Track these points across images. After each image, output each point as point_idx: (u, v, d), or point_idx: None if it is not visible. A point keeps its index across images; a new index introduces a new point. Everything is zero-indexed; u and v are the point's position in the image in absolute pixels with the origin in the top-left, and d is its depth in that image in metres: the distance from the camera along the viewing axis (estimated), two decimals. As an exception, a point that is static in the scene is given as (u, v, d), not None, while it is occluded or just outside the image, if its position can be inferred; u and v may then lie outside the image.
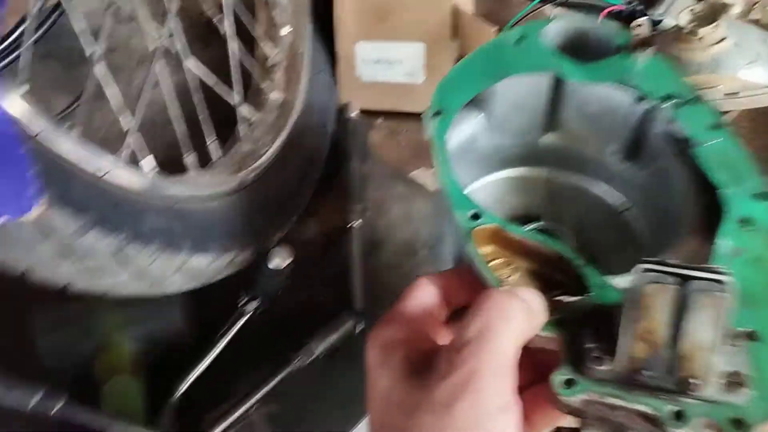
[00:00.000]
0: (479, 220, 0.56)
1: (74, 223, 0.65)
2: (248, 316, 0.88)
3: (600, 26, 0.73)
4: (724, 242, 0.55)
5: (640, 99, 0.67)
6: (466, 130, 0.70)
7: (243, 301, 0.88)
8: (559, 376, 0.48)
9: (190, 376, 0.85)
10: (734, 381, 0.47)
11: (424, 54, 1.12)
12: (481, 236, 0.56)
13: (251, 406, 0.84)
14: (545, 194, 0.74)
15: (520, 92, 0.69)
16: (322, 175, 1.08)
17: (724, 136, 0.63)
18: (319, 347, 0.86)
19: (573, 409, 0.48)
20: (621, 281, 0.54)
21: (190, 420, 0.84)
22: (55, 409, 0.74)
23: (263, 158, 0.95)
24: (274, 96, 1.05)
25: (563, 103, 0.72)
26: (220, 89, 0.92)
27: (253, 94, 1.06)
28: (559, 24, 0.72)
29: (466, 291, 0.55)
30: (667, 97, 0.66)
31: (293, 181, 1.01)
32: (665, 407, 0.46)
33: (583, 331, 0.49)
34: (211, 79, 0.90)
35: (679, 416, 0.46)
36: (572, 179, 0.75)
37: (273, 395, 0.85)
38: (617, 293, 0.52)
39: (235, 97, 0.95)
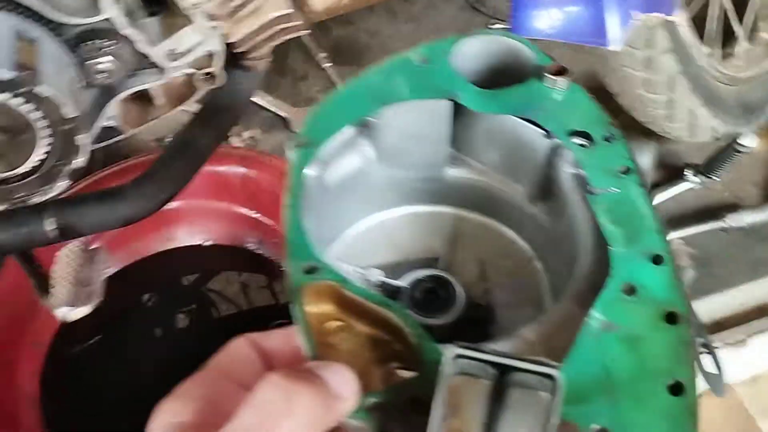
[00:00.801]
0: (314, 275, 0.48)
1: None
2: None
3: (524, 47, 0.64)
4: (596, 314, 0.46)
5: (548, 134, 0.59)
6: (354, 161, 0.63)
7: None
8: None
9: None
10: None
11: None
12: (318, 293, 0.48)
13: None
14: (449, 236, 0.66)
15: (414, 120, 0.61)
16: None
17: (629, 185, 0.53)
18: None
19: None
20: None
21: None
22: None
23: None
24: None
25: (469, 134, 0.63)
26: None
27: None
28: (475, 41, 0.64)
29: (298, 357, 0.47)
30: (574, 134, 0.57)
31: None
32: None
33: (394, 423, 0.41)
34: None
35: None
36: (479, 220, 0.66)
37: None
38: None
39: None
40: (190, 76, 1.09)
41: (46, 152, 0.92)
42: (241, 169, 1.54)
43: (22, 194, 0.95)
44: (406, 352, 0.47)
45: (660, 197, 1.80)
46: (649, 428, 0.41)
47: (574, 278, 0.53)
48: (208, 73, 1.09)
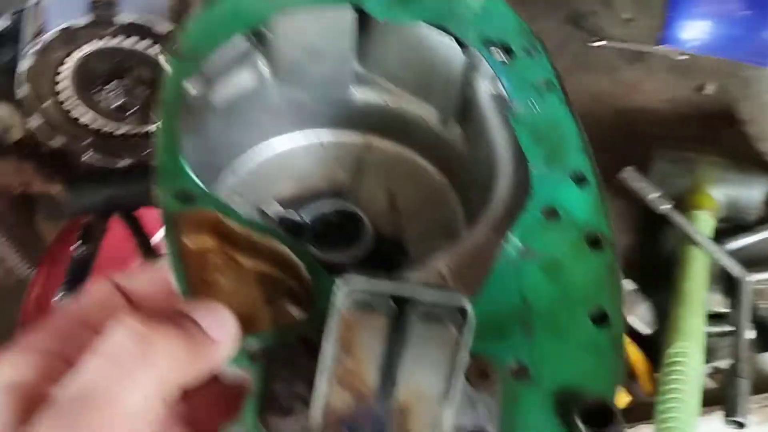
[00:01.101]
0: (191, 203, 0.41)
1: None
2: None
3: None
4: (514, 239, 0.41)
5: (464, 47, 0.53)
6: (245, 78, 0.55)
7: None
8: (230, 430, 0.34)
9: None
10: None
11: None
12: (197, 224, 0.41)
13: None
14: (355, 165, 0.60)
15: (314, 31, 0.54)
16: None
17: (551, 100, 0.48)
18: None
19: None
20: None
21: None
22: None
23: None
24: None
25: (377, 48, 0.56)
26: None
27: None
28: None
29: (170, 299, 0.40)
30: (492, 46, 0.51)
31: None
32: None
33: (280, 368, 0.35)
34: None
35: None
36: (388, 147, 0.60)
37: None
38: None
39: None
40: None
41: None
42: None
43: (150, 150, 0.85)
44: (300, 290, 0.41)
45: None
46: (571, 361, 0.37)
47: (491, 203, 0.47)
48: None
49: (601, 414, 0.34)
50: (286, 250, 0.41)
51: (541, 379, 0.36)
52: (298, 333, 0.37)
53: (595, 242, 0.41)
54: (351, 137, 0.60)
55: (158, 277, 0.40)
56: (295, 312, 0.41)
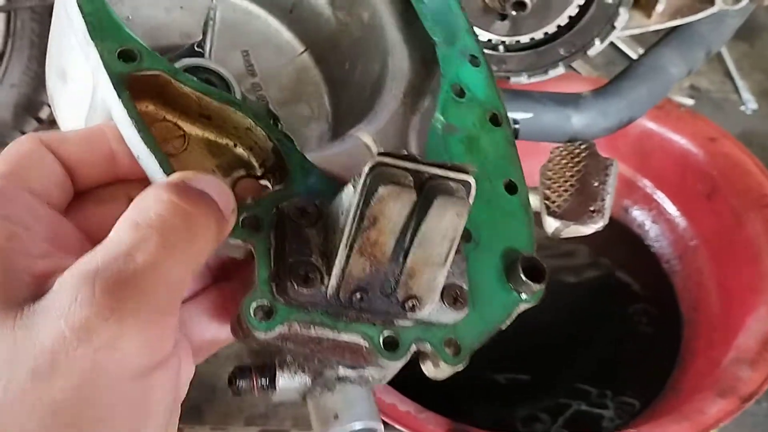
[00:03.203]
0: (135, 63, 0.37)
1: None
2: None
3: None
4: (438, 116, 0.45)
5: None
6: None
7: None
8: (251, 303, 0.35)
9: None
10: (452, 296, 0.39)
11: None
12: (140, 87, 0.38)
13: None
14: (207, 20, 0.56)
15: None
16: None
17: None
18: None
19: (266, 345, 0.36)
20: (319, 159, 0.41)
21: None
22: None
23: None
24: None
25: None
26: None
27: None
28: None
29: (110, 166, 0.37)
30: None
31: None
32: (378, 335, 0.37)
33: (287, 239, 0.36)
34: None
35: (392, 345, 0.37)
36: (242, 5, 0.57)
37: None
38: (325, 183, 0.39)
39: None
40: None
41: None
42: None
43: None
44: (255, 156, 0.40)
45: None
46: (496, 227, 0.43)
47: (392, 77, 0.50)
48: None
49: (534, 270, 0.41)
50: (242, 116, 0.39)
51: (484, 243, 0.42)
52: (277, 203, 0.37)
53: (494, 119, 0.47)
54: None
55: (90, 143, 0.37)
56: (248, 182, 0.40)
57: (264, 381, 0.40)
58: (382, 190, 0.33)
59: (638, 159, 1.30)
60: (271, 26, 0.58)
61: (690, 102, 1.66)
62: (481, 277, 0.41)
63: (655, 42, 1.02)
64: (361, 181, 0.33)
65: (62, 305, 0.28)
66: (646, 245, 1.32)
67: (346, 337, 0.36)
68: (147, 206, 0.31)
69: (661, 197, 1.32)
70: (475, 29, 0.52)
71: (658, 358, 1.19)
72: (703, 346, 1.14)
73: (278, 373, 0.39)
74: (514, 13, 0.90)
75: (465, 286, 0.39)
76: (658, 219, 1.32)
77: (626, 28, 0.96)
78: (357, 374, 0.40)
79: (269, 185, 0.40)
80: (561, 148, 0.62)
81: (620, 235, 1.32)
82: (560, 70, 0.98)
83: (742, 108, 1.73)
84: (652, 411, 1.09)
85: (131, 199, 0.33)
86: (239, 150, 0.41)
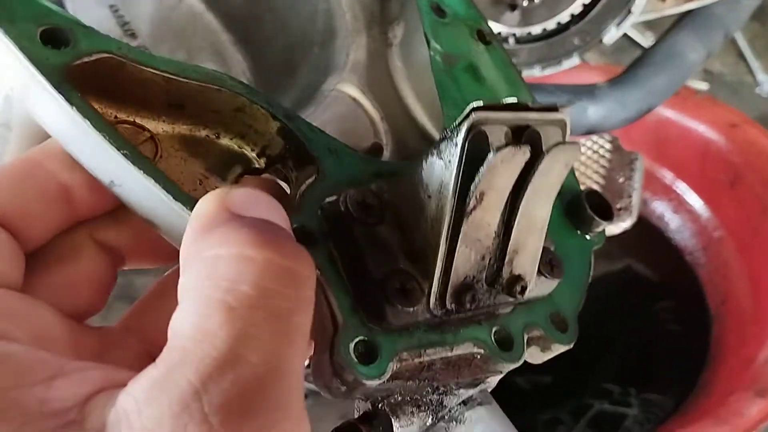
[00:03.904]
0: (70, 48, 0.27)
1: None
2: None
3: None
4: (434, 44, 0.39)
5: None
6: None
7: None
8: (348, 344, 0.27)
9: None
10: (547, 262, 0.32)
11: None
12: (82, 77, 0.27)
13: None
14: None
15: None
16: None
17: None
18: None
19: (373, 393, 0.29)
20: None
21: None
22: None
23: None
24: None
25: None
26: None
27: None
28: None
29: (61, 207, 0.28)
30: None
31: None
32: (489, 337, 0.31)
33: (359, 247, 0.29)
34: None
35: (506, 343, 0.31)
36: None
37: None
38: (363, 162, 0.32)
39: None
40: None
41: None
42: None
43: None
44: (250, 144, 0.32)
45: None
46: None
47: (339, 6, 0.43)
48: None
49: (602, 204, 0.36)
50: (230, 95, 0.30)
51: None
52: (319, 203, 0.30)
53: (481, 36, 0.42)
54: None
55: (30, 178, 0.28)
56: (249, 180, 0.34)
57: None
58: (493, 157, 0.26)
59: (655, 148, 1.25)
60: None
61: (705, 86, 1.62)
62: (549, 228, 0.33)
63: (670, 27, 0.97)
64: (458, 149, 0.26)
65: None
66: (667, 237, 1.28)
67: (459, 350, 0.30)
68: (230, 274, 0.22)
69: (681, 187, 1.27)
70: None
71: (686, 355, 1.14)
72: (734, 343, 1.10)
73: (393, 422, 0.30)
74: (524, 2, 0.85)
75: (552, 247, 0.33)
76: (679, 210, 1.27)
77: (642, 13, 0.92)
78: (479, 390, 0.33)
79: (284, 181, 0.32)
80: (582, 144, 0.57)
81: (639, 228, 1.27)
82: (575, 60, 0.93)
83: (758, 90, 1.69)
84: (685, 412, 1.05)
85: (99, 243, 0.26)
86: (224, 141, 0.32)
